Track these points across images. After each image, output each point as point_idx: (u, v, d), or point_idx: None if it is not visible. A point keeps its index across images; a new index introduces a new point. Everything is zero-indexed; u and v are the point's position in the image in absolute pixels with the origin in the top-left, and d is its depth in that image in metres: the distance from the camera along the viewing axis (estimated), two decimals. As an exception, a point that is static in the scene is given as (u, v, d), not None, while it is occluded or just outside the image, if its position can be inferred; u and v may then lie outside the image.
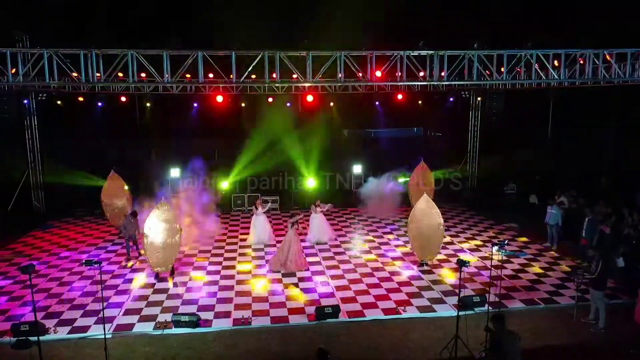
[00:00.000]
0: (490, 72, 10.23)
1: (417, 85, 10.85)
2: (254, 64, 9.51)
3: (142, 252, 13.47)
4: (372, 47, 9.68)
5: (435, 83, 10.25)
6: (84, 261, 8.76)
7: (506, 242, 9.81)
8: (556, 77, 10.31)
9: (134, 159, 20.72)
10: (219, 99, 19.92)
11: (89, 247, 16.08)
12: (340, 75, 9.73)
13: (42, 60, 8.79)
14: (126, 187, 17.77)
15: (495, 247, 9.36)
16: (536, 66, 10.22)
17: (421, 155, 18.50)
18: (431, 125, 25.31)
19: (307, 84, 10.16)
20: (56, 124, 20.68)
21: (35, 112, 19.82)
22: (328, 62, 9.61)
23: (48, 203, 20.57)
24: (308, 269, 13.87)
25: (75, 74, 9.61)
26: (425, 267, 13.28)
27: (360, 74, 9.85)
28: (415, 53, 10.04)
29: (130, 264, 14.17)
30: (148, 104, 21.39)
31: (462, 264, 8.73)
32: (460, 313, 9.37)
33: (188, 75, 19.49)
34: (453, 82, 10.47)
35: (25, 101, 19.16)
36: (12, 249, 15.87)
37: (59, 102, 19.80)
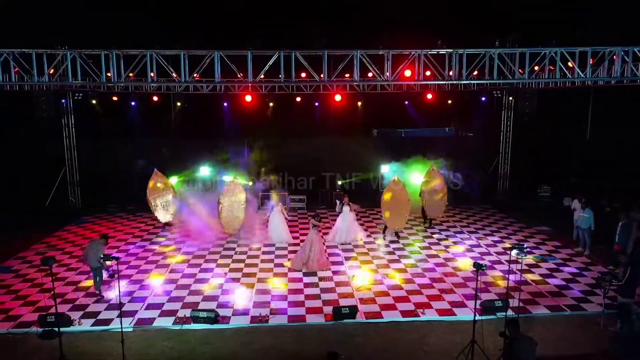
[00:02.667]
0: (512, 71, 9.92)
1: (435, 84, 10.55)
2: (270, 62, 9.57)
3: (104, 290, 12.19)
4: (389, 46, 9.55)
5: (453, 82, 10.00)
6: (102, 256, 9.01)
7: (525, 245, 9.50)
8: (582, 75, 9.90)
9: (165, 157, 21.16)
10: (248, 98, 20.19)
11: (118, 242, 16.53)
12: (356, 74, 9.65)
13: (65, 61, 9.11)
14: (170, 183, 18.05)
15: (515, 251, 9.09)
16: (561, 64, 9.86)
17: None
18: (462, 125, 24.80)
19: (322, 83, 10.10)
20: (92, 123, 21.36)
21: (72, 111, 20.50)
22: (344, 61, 9.55)
23: (83, 199, 21.26)
24: (330, 269, 13.85)
25: (108, 74, 9.94)
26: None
27: (373, 73, 9.70)
28: (434, 51, 9.84)
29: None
30: (179, 104, 21.81)
31: (478, 267, 8.52)
32: (480, 318, 9.17)
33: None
34: (471, 82, 10.20)
35: (63, 100, 19.84)
36: (47, 242, 16.50)
37: (93, 102, 20.42)
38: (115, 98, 20.89)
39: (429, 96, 20.95)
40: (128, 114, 21.55)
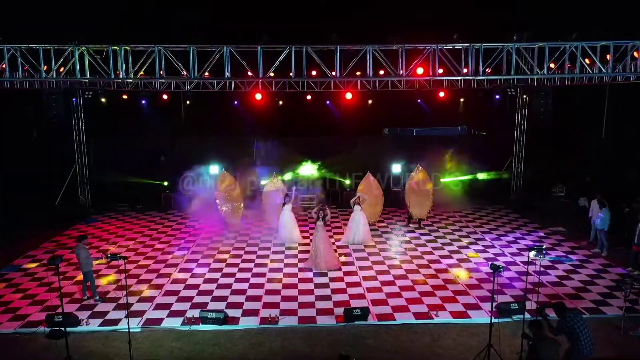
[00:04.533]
0: (530, 66, 9.58)
1: (450, 80, 10.24)
2: (280, 58, 9.34)
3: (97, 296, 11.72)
4: (403, 41, 9.28)
5: (469, 77, 9.68)
6: (108, 255, 8.85)
7: (544, 246, 9.19)
8: (604, 70, 9.54)
9: (175, 155, 21.04)
10: (258, 97, 20.00)
11: (127, 241, 16.42)
12: (369, 69, 9.39)
13: (73, 57, 8.96)
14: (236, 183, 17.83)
15: (533, 252, 8.79)
16: (581, 60, 9.51)
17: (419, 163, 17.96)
18: (475, 124, 24.40)
19: (334, 79, 9.84)
20: (102, 121, 21.30)
21: (82, 110, 20.45)
22: (357, 57, 9.29)
23: (93, 198, 21.21)
24: (340, 269, 13.62)
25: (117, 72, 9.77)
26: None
27: (386, 69, 9.41)
28: (449, 46, 9.55)
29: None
30: (188, 102, 21.70)
31: (495, 269, 8.23)
32: (495, 320, 8.89)
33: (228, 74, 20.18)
34: (489, 77, 9.89)
35: (73, 99, 19.79)
36: (56, 241, 16.43)
37: (103, 100, 20.32)
38: (125, 96, 20.80)
39: (442, 94, 20.65)
40: (138, 113, 21.44)
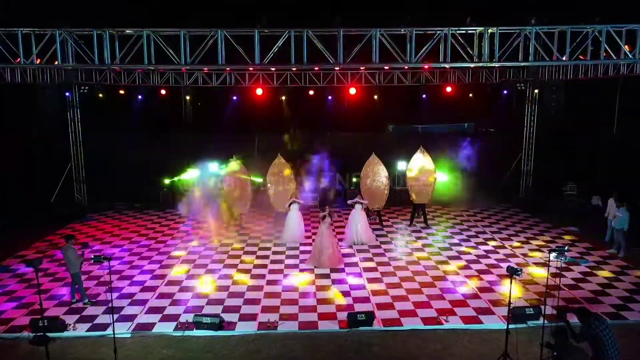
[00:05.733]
0: (550, 52, 8.88)
1: (462, 67, 9.55)
2: (279, 43, 8.67)
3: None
4: (412, 24, 8.61)
5: (484, 64, 8.98)
6: (92, 257, 8.23)
7: (566, 248, 8.49)
8: (630, 56, 8.84)
9: (174, 152, 20.39)
10: (259, 91, 19.39)
11: (122, 240, 15.82)
12: (374, 55, 8.72)
13: (55, 42, 8.33)
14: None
15: (553, 254, 8.11)
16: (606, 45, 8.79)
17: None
18: (483, 121, 23.70)
19: (337, 67, 9.18)
20: (98, 117, 20.70)
21: (78, 105, 19.86)
22: (361, 42, 8.62)
23: (90, 196, 20.62)
24: (343, 268, 13.00)
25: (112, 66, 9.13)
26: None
27: (393, 55, 8.71)
28: (462, 30, 8.86)
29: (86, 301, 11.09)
30: (188, 97, 21.10)
31: (512, 272, 7.56)
32: (510, 326, 8.22)
33: (227, 68, 19.52)
34: (504, 64, 9.21)
35: (67, 94, 19.20)
36: (49, 240, 15.83)
37: (100, 95, 19.75)
38: (122, 92, 20.23)
39: (448, 89, 20.00)
40: (136, 108, 20.86)
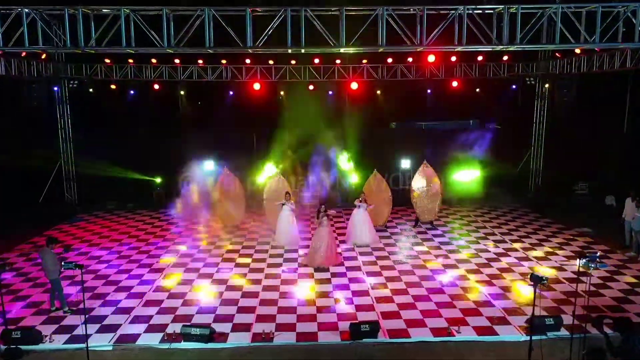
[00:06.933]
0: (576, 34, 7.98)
1: (481, 50, 8.66)
2: (274, 25, 7.79)
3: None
4: (423, 3, 7.74)
5: (504, 47, 8.04)
6: (62, 264, 7.38)
7: (598, 254, 7.61)
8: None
9: (169, 150, 19.52)
10: (256, 86, 18.55)
11: (112, 242, 14.97)
12: (380, 38, 7.86)
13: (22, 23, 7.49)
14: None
15: (583, 261, 7.24)
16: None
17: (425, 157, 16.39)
18: (490, 117, 22.84)
19: (341, 49, 8.30)
20: (89, 113, 19.89)
21: (68, 101, 19.03)
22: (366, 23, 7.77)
23: (80, 195, 19.80)
24: (343, 264, 12.41)
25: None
26: None
27: (402, 37, 7.85)
28: (479, 9, 8.00)
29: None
30: (182, 92, 20.25)
31: (537, 280, 6.69)
32: (528, 338, 7.37)
33: (224, 62, 18.71)
34: (528, 46, 8.33)
35: (56, 88, 18.37)
36: (33, 242, 14.98)
37: (90, 90, 18.91)
38: (113, 86, 19.40)
39: (455, 84, 19.16)
40: (128, 104, 20.03)
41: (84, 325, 9.40)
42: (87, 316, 8.18)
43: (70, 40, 7.69)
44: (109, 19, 7.66)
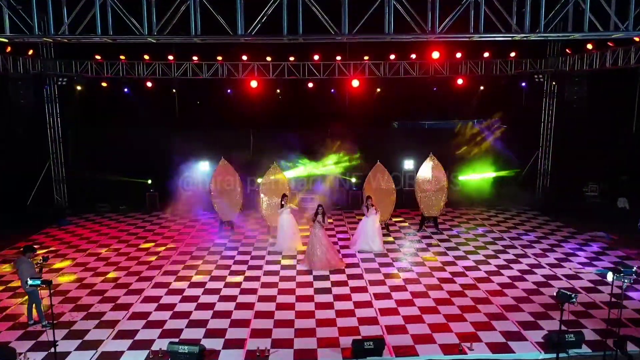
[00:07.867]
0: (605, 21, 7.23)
1: (500, 39, 7.84)
2: (269, 10, 7.02)
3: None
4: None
5: (524, 36, 7.24)
6: (28, 282, 6.61)
7: (634, 269, 6.85)
8: None
9: (162, 150, 18.73)
10: (254, 84, 17.80)
11: (100, 247, 14.21)
12: (386, 25, 7.10)
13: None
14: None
15: (611, 274, 6.49)
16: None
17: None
18: (495, 116, 22.06)
19: (342, 38, 7.55)
20: (79, 112, 19.11)
21: (57, 99, 18.26)
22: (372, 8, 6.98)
23: (70, 197, 19.04)
24: (346, 281, 11.44)
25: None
26: None
27: (411, 24, 7.08)
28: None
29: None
30: (174, 90, 19.50)
31: (565, 299, 5.92)
32: (548, 357, 6.63)
33: (220, 58, 17.95)
34: (551, 35, 7.58)
35: (45, 86, 17.61)
36: (18, 248, 14.17)
37: (79, 88, 18.13)
38: (104, 84, 18.62)
39: (460, 81, 18.40)
40: (120, 102, 19.25)
41: (64, 341, 8.76)
42: (53, 333, 7.34)
43: (37, 27, 6.94)
44: (82, 3, 6.90)
